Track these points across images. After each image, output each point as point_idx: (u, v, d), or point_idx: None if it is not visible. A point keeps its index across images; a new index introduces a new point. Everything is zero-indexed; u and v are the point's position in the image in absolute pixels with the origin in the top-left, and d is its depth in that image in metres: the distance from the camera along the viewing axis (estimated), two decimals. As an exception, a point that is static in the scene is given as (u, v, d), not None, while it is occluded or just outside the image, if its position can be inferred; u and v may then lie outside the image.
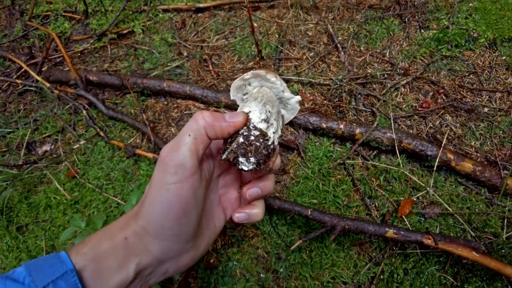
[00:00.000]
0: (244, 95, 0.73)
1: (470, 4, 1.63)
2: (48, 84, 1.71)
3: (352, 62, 1.62)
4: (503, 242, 1.14)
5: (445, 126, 1.41)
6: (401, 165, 1.32)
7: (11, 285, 0.48)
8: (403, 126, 1.43)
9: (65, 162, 1.58)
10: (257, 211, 0.67)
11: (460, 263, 1.15)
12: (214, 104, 1.56)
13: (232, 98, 0.73)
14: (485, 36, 1.52)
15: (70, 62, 1.71)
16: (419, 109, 1.46)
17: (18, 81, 1.82)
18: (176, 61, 1.79)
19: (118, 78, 1.69)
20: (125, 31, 1.94)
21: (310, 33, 1.76)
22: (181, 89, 1.60)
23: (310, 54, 1.68)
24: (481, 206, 1.23)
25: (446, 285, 1.13)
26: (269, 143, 0.62)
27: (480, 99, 1.45)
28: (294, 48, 1.72)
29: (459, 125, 1.40)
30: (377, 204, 1.28)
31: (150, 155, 1.44)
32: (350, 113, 1.48)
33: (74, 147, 1.62)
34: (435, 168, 1.27)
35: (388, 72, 1.55)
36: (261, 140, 0.61)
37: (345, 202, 1.30)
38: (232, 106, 1.53)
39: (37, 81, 1.76)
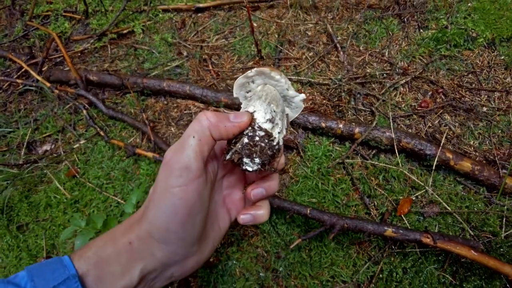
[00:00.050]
0: (247, 92, 0.71)
1: (469, 4, 1.64)
2: (48, 84, 1.72)
3: (351, 62, 1.62)
4: (502, 241, 1.15)
5: (444, 126, 1.41)
6: (400, 164, 1.33)
7: None
8: (402, 125, 1.43)
9: (65, 161, 1.58)
10: (262, 212, 0.65)
11: (459, 262, 1.15)
12: (213, 103, 1.57)
13: (235, 95, 0.71)
14: (484, 35, 1.53)
15: (70, 62, 1.72)
16: (418, 108, 1.46)
17: (19, 80, 1.83)
18: (176, 61, 1.80)
19: (118, 78, 1.69)
20: (125, 31, 1.95)
21: (309, 33, 1.76)
22: (181, 89, 1.61)
23: (310, 54, 1.69)
24: (479, 205, 1.23)
25: (445, 284, 1.13)
26: (274, 143, 0.60)
27: (479, 99, 1.45)
28: (293, 48, 1.73)
29: (458, 124, 1.41)
30: (376, 203, 1.29)
31: (150, 154, 1.44)
32: (349, 112, 1.48)
33: (74, 146, 1.62)
34: (434, 167, 1.28)
35: (387, 72, 1.56)
36: (266, 140, 0.59)
37: (344, 201, 1.30)
38: (232, 106, 1.54)
39: (38, 80, 1.77)
